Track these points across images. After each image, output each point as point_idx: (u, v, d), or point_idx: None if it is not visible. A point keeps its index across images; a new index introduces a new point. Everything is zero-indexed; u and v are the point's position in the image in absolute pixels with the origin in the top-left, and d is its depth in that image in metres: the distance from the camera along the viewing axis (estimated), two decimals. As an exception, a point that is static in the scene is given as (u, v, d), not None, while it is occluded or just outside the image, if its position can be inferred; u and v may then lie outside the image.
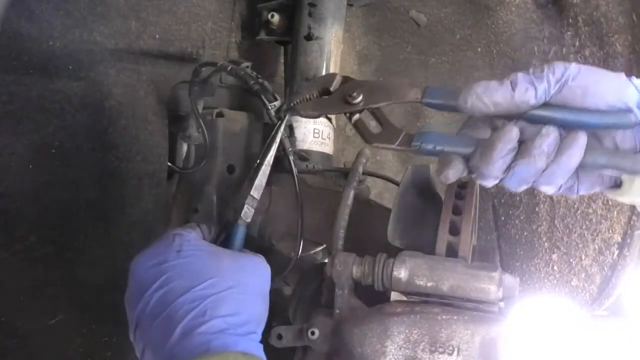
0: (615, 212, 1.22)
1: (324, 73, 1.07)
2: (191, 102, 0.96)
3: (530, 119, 0.62)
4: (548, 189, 0.62)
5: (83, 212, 0.89)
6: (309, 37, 1.07)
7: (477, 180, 0.63)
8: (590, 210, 1.26)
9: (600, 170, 0.62)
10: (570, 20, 1.24)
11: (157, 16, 0.96)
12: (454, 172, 0.63)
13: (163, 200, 0.99)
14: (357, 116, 0.73)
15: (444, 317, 0.67)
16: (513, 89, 0.60)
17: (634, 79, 0.61)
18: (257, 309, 0.68)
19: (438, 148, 0.65)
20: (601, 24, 1.21)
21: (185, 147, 1.07)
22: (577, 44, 1.25)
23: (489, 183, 0.62)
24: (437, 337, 0.66)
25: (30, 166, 0.81)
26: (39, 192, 0.83)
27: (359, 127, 0.72)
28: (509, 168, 0.61)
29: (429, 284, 0.69)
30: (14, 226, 0.81)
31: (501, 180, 0.62)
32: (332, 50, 1.09)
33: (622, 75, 0.61)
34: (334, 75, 0.75)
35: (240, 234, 0.80)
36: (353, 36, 1.34)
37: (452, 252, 0.74)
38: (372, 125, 0.72)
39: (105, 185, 0.91)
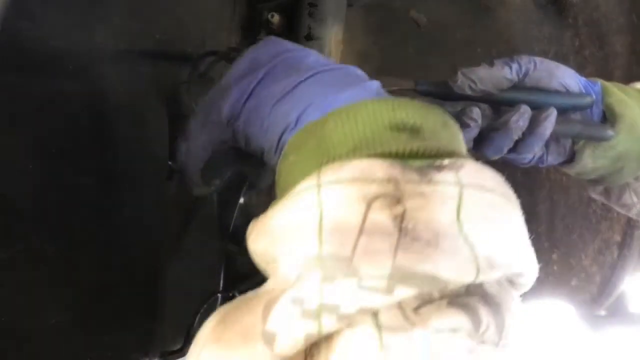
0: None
1: (324, 73, 1.07)
2: (190, 99, 0.96)
3: (507, 102, 0.73)
4: (524, 158, 0.74)
5: (83, 212, 0.89)
6: (309, 37, 1.07)
7: None
8: (590, 210, 1.26)
9: (567, 141, 0.74)
10: (570, 20, 1.24)
11: (157, 16, 0.96)
12: None
13: (163, 200, 0.99)
14: None
15: (444, 317, 0.67)
16: (491, 67, 0.73)
17: None
18: None
19: None
20: (601, 24, 1.21)
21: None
22: (577, 44, 1.26)
23: None
24: (437, 337, 0.66)
25: (30, 166, 0.81)
26: (39, 192, 0.83)
27: None
28: (487, 138, 0.72)
29: (429, 284, 0.69)
30: (14, 226, 0.81)
31: (476, 148, 0.73)
32: (332, 50, 1.09)
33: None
34: None
35: None
36: (353, 36, 1.34)
37: (452, 252, 0.74)
38: None
39: (105, 185, 0.91)
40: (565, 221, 1.28)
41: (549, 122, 0.69)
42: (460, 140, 0.48)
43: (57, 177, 0.87)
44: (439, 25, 1.33)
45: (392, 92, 0.77)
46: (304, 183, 0.41)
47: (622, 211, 0.83)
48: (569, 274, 1.30)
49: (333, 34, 1.09)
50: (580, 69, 1.29)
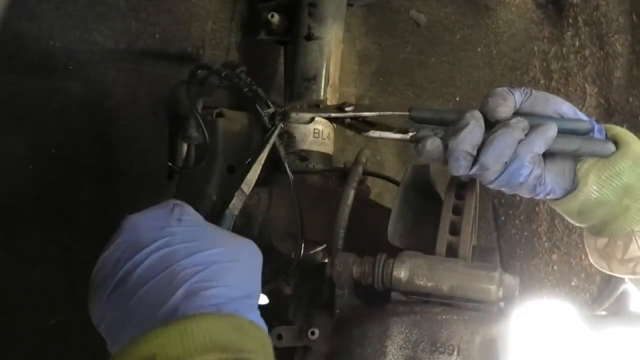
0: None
1: (324, 73, 1.07)
2: (190, 102, 0.96)
3: None
4: (519, 174, 0.68)
5: (83, 212, 0.89)
6: (309, 37, 1.07)
7: (450, 164, 0.68)
8: (590, 210, 1.26)
9: (567, 161, 0.71)
10: (570, 20, 1.25)
11: (157, 16, 0.96)
12: (431, 143, 0.69)
13: (163, 200, 0.99)
14: (348, 120, 0.77)
15: (444, 317, 0.67)
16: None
17: None
18: (257, 287, 0.66)
19: (436, 132, 0.69)
20: (601, 24, 1.21)
21: (185, 147, 1.07)
22: (577, 44, 1.26)
23: (462, 166, 0.68)
24: (437, 337, 0.66)
25: (31, 166, 0.81)
26: (39, 192, 0.83)
27: (353, 125, 0.77)
28: (488, 142, 0.67)
29: (429, 284, 0.69)
30: (14, 226, 0.81)
31: (476, 162, 0.68)
32: (332, 50, 1.09)
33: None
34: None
35: (227, 223, 0.80)
36: (353, 36, 1.34)
37: (452, 252, 0.74)
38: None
39: (105, 186, 0.91)
40: (565, 221, 1.28)
41: (552, 128, 0.68)
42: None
43: (57, 177, 0.87)
44: (439, 25, 1.33)
45: (386, 118, 0.77)
46: None
47: (627, 272, 0.79)
48: (569, 274, 1.31)
49: (333, 34, 1.09)
50: (580, 69, 1.29)
